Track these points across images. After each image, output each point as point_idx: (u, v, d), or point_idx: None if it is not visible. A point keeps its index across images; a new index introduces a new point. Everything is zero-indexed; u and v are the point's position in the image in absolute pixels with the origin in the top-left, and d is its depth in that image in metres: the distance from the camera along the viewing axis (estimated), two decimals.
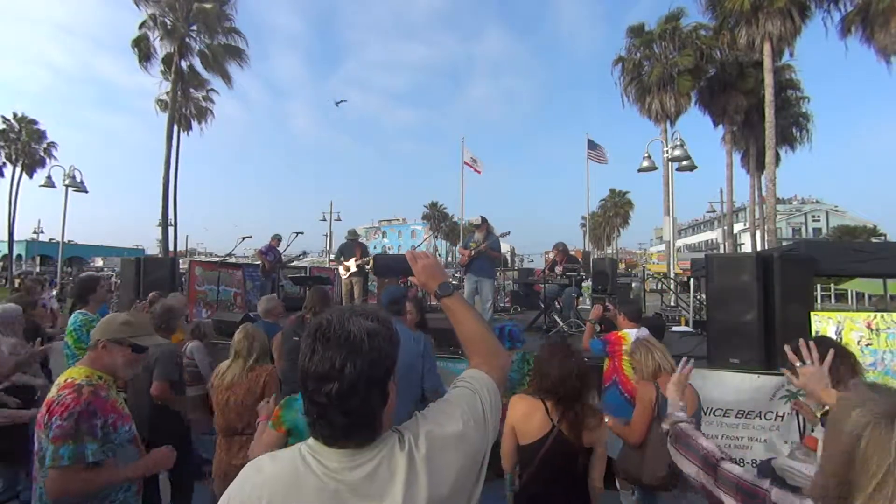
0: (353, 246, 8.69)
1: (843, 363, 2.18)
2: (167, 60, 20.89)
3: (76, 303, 4.17)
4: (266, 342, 3.08)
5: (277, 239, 9.10)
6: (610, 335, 3.93)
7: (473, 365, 1.17)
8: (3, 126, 29.57)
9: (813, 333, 3.99)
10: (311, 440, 0.95)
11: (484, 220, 6.62)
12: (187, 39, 20.71)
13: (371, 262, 8.14)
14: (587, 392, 2.33)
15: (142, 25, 20.15)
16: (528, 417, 2.26)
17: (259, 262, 9.12)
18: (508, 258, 38.53)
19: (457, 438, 0.98)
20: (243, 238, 9.32)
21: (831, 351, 1.76)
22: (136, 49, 20.20)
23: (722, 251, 33.82)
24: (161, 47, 20.65)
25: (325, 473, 0.90)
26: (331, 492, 0.89)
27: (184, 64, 21.12)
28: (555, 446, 2.18)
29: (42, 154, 30.32)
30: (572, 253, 8.31)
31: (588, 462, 2.25)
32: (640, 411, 2.72)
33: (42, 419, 1.72)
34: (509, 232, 7.21)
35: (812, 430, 2.30)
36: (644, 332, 3.68)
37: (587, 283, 10.04)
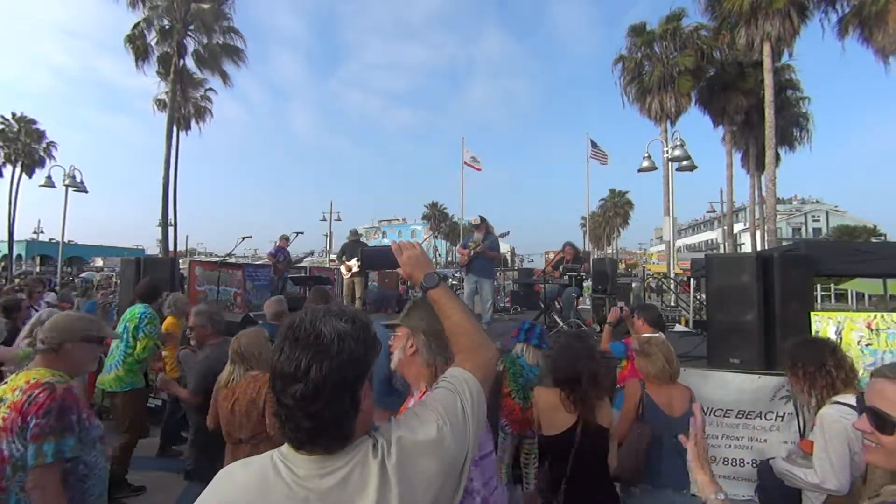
0: (355, 246, 8.72)
1: (840, 370, 2.19)
2: (163, 60, 20.85)
3: (143, 300, 4.42)
4: (268, 346, 3.00)
5: (286, 239, 9.14)
6: (631, 339, 3.90)
7: (457, 362, 1.14)
8: (3, 126, 29.48)
9: (813, 333, 3.99)
10: (284, 447, 0.92)
11: (482, 220, 6.61)
12: (185, 40, 20.71)
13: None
14: (599, 381, 2.45)
15: (136, 25, 20.06)
16: (554, 410, 2.40)
17: (270, 264, 9.19)
18: (508, 258, 38.53)
19: (431, 445, 0.94)
20: (243, 238, 9.33)
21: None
22: (130, 48, 20.13)
23: (722, 251, 33.82)
24: (158, 47, 20.64)
25: (295, 481, 0.87)
26: (300, 500, 0.85)
27: (181, 63, 21.11)
28: (584, 436, 2.34)
29: (42, 154, 30.22)
30: (579, 254, 8.23)
31: (608, 442, 2.43)
32: (625, 409, 2.71)
33: (12, 424, 1.69)
34: (508, 232, 7.23)
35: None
36: (661, 337, 3.66)
37: (587, 283, 10.05)
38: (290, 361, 0.86)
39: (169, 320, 4.72)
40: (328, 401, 0.85)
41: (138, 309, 4.27)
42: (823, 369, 2.17)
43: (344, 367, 0.87)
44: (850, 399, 2.08)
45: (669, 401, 2.61)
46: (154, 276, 6.50)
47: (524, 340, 3.32)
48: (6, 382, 1.84)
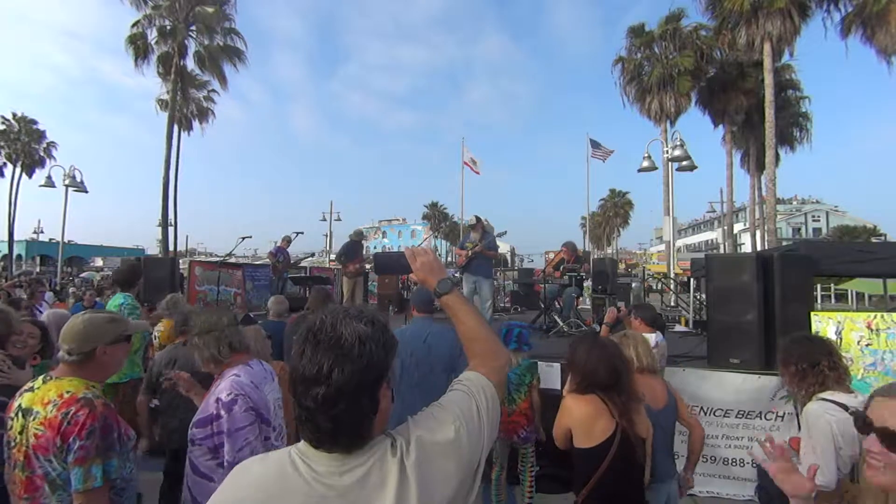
0: (357, 246, 8.70)
1: (834, 371, 2.18)
2: (164, 60, 20.86)
3: (122, 287, 4.34)
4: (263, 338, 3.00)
5: (287, 240, 9.17)
6: None
7: (472, 366, 1.15)
8: (3, 126, 29.50)
9: (813, 333, 3.98)
10: (301, 443, 0.93)
11: (478, 219, 6.62)
12: (186, 41, 20.73)
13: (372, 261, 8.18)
14: (631, 380, 2.31)
15: (135, 24, 20.13)
16: (593, 420, 2.17)
17: (270, 264, 9.22)
18: (508, 258, 38.54)
19: (448, 446, 0.95)
20: (243, 238, 9.32)
21: None
22: (131, 48, 20.18)
23: (722, 251, 33.80)
24: (158, 47, 20.66)
25: (314, 478, 0.88)
26: (318, 497, 0.86)
27: (182, 64, 21.12)
28: (621, 445, 2.14)
29: (42, 154, 30.26)
30: (579, 254, 8.21)
31: (644, 453, 2.23)
32: None
33: (48, 444, 1.56)
34: (506, 231, 7.25)
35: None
36: (660, 336, 3.65)
37: (587, 284, 10.04)
38: (312, 365, 0.87)
39: (165, 324, 4.58)
40: (349, 403, 0.86)
41: (117, 300, 4.14)
42: (817, 368, 2.17)
43: (365, 370, 0.88)
44: (837, 396, 2.08)
45: (653, 394, 2.59)
46: (153, 275, 6.52)
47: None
48: (34, 390, 1.67)
